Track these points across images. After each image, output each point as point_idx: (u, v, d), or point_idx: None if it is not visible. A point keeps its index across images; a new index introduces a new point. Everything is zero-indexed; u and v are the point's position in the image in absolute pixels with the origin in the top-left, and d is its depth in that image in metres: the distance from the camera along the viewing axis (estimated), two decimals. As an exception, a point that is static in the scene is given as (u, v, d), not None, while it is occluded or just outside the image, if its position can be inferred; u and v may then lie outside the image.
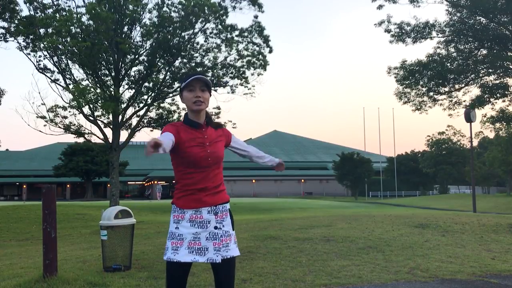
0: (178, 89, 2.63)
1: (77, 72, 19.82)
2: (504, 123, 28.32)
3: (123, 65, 16.59)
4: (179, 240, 2.54)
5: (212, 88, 2.71)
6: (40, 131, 16.29)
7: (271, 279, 4.76)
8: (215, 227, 2.55)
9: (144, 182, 69.91)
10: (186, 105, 2.65)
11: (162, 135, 2.51)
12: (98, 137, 16.63)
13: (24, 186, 65.98)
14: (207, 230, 2.54)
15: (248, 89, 18.07)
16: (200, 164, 2.58)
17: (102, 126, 16.46)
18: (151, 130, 18.29)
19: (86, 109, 15.84)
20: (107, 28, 14.67)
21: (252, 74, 17.81)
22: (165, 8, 16.26)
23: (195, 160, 2.56)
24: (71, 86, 15.48)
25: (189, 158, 2.56)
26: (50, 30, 15.01)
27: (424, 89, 23.36)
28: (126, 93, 17.33)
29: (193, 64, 17.49)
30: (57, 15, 15.38)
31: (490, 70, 22.08)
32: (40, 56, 16.49)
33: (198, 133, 2.63)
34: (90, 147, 52.05)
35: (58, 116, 15.89)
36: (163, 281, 4.78)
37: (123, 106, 16.87)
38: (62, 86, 16.27)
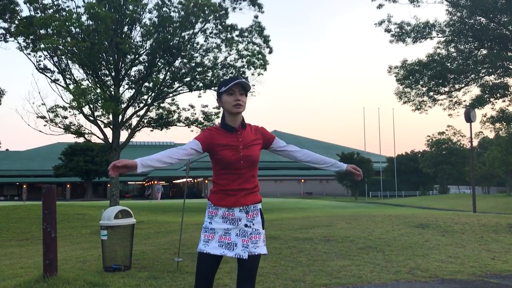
0: (216, 93, 2.81)
1: (77, 72, 19.86)
2: (504, 123, 28.31)
3: (123, 65, 16.59)
4: (211, 233, 2.69)
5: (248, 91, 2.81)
6: (40, 131, 16.30)
7: (271, 279, 4.76)
8: (245, 225, 2.69)
9: (144, 182, 69.91)
10: (225, 108, 2.75)
11: (187, 143, 2.72)
12: (98, 137, 16.64)
13: (24, 186, 65.96)
14: (238, 227, 2.68)
15: (248, 89, 18.08)
16: (232, 166, 2.70)
17: (102, 126, 16.47)
18: (151, 130, 18.30)
19: (86, 109, 15.86)
20: (106, 28, 14.67)
21: (252, 74, 17.83)
22: (165, 8, 16.27)
23: (227, 163, 2.70)
24: (71, 86, 15.48)
25: (222, 160, 2.71)
26: (49, 31, 15.01)
27: (424, 89, 23.38)
28: (126, 93, 17.35)
29: (193, 64, 17.50)
30: (57, 15, 15.38)
31: (490, 70, 22.09)
32: (40, 56, 16.51)
33: (233, 136, 2.74)
34: (90, 147, 51.96)
35: (58, 116, 15.90)
36: (163, 281, 4.78)
37: (123, 106, 16.87)
38: (62, 86, 16.29)
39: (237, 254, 2.62)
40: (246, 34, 17.39)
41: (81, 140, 17.51)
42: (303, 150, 3.01)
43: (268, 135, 2.90)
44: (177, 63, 17.43)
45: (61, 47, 15.09)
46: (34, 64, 16.57)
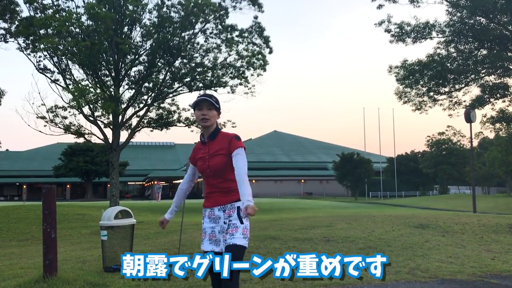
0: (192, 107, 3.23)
1: (77, 72, 19.84)
2: (504, 124, 28.30)
3: (123, 65, 16.58)
4: (203, 233, 3.10)
5: (215, 100, 3.10)
6: (40, 131, 16.27)
7: (271, 279, 4.76)
8: (224, 222, 2.98)
9: (144, 183, 69.88)
10: (197, 122, 3.26)
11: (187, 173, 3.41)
12: (98, 137, 16.63)
13: (24, 186, 65.94)
14: (219, 224, 3.01)
15: (248, 89, 18.09)
16: (204, 174, 3.12)
17: (102, 126, 16.46)
18: (151, 130, 18.29)
19: (86, 109, 15.85)
20: (106, 28, 14.66)
21: (252, 75, 17.82)
22: (165, 9, 16.27)
23: (200, 171, 3.17)
24: (71, 86, 15.47)
25: (197, 169, 3.23)
26: (49, 31, 15.01)
27: (424, 89, 23.36)
28: (126, 93, 17.34)
29: (193, 65, 17.49)
30: (57, 15, 15.37)
31: (490, 70, 22.08)
32: (40, 57, 16.50)
33: (204, 148, 3.13)
34: (90, 147, 52.02)
35: (58, 116, 15.89)
36: (163, 281, 4.78)
37: (123, 106, 16.87)
38: (62, 87, 16.28)
39: (221, 249, 2.93)
40: (246, 34, 17.38)
41: (81, 140, 17.50)
42: (238, 175, 2.91)
43: (232, 146, 2.98)
44: (177, 63, 17.42)
45: (61, 47, 15.08)
46: (34, 64, 16.57)
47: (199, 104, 3.04)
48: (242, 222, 2.93)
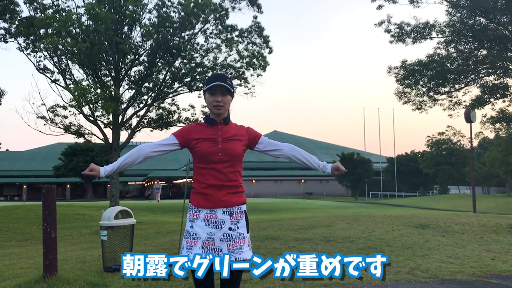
0: (202, 90, 2.90)
1: (77, 72, 19.86)
2: (504, 124, 28.28)
3: (123, 65, 16.59)
4: (194, 239, 2.58)
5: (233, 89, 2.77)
6: (40, 131, 16.29)
7: (271, 279, 4.76)
8: (230, 228, 2.58)
9: (144, 183, 69.86)
10: (208, 107, 2.74)
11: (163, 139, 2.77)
12: (98, 137, 16.64)
13: (24, 186, 65.92)
14: (221, 230, 2.57)
15: (248, 89, 18.11)
16: (210, 159, 2.61)
17: (102, 126, 16.47)
18: (151, 130, 18.31)
19: (86, 109, 15.86)
20: (106, 28, 14.67)
21: (252, 75, 17.84)
22: (165, 9, 16.28)
23: (204, 155, 2.62)
24: (71, 86, 15.48)
25: (199, 153, 2.63)
26: (49, 31, 15.02)
27: (424, 89, 23.36)
28: (126, 94, 17.36)
29: (193, 65, 17.50)
30: (57, 15, 15.38)
31: (490, 71, 22.08)
32: (40, 57, 16.51)
33: (213, 129, 2.68)
34: (90, 147, 51.98)
35: (58, 116, 15.91)
36: (163, 281, 4.78)
37: (123, 106, 16.87)
38: (62, 87, 16.29)
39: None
40: (246, 34, 17.40)
41: (81, 140, 17.52)
42: (292, 148, 2.92)
43: (253, 134, 2.81)
44: (177, 63, 17.44)
45: (61, 47, 15.09)
46: (34, 64, 16.58)
47: (212, 88, 2.64)
48: (248, 231, 2.65)
